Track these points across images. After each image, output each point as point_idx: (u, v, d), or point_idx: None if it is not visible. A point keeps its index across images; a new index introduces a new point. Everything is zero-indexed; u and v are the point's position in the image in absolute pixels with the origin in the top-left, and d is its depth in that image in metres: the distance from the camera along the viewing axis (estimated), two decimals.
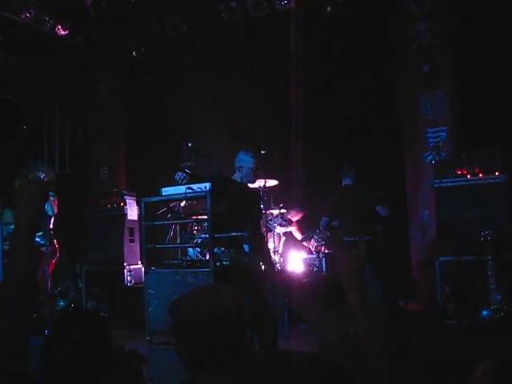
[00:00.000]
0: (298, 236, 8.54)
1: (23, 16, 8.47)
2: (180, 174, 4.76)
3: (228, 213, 4.82)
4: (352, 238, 6.43)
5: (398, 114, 8.17)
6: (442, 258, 6.58)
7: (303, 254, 8.54)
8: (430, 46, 7.80)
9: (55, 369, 1.94)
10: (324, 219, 6.78)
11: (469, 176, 6.63)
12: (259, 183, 7.51)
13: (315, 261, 8.46)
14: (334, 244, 7.56)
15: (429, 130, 7.78)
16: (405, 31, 8.04)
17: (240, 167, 5.02)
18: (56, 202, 6.45)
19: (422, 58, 7.84)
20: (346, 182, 6.72)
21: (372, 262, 6.49)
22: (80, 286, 8.90)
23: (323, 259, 8.43)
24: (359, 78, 8.28)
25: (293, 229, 8.44)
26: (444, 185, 6.72)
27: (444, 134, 7.68)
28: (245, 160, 5.03)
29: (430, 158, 7.71)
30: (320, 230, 8.23)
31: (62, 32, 9.19)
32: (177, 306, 1.86)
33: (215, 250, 4.77)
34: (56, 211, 6.50)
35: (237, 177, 5.06)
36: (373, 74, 8.26)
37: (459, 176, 6.67)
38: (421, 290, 7.66)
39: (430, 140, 7.76)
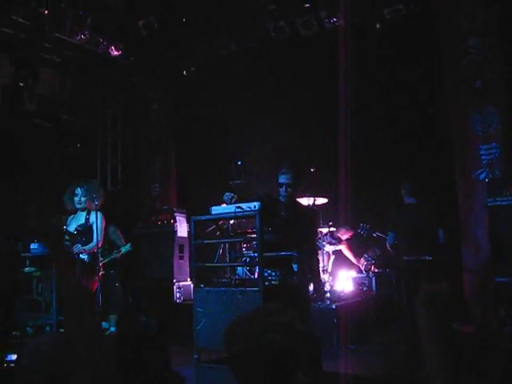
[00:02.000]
0: (348, 254, 8.45)
1: (78, 37, 8.73)
2: (228, 193, 4.76)
3: (277, 238, 4.79)
4: (411, 258, 6.28)
5: (450, 130, 8.02)
6: (497, 279, 6.39)
7: (353, 273, 8.44)
8: (482, 61, 7.64)
9: None
10: (390, 235, 6.62)
11: None
12: (308, 201, 7.48)
13: (365, 280, 8.36)
14: (394, 263, 7.34)
15: (481, 146, 7.60)
16: (456, 46, 7.91)
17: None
18: (104, 224, 6.49)
19: (474, 73, 7.69)
20: (408, 200, 6.59)
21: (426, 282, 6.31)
22: (130, 301, 9.02)
23: (373, 278, 8.33)
24: (409, 94, 8.20)
25: (342, 247, 8.36)
26: (498, 203, 6.55)
27: (497, 150, 7.49)
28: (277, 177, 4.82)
29: (483, 175, 7.52)
30: (373, 249, 8.16)
31: (116, 52, 9.43)
32: (233, 326, 1.87)
33: (264, 271, 4.76)
34: (103, 236, 6.55)
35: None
36: (424, 90, 8.16)
37: None
38: (475, 311, 7.45)
39: (483, 157, 7.57)
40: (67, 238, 6.37)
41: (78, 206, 6.41)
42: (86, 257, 6.21)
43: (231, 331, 1.86)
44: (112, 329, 7.95)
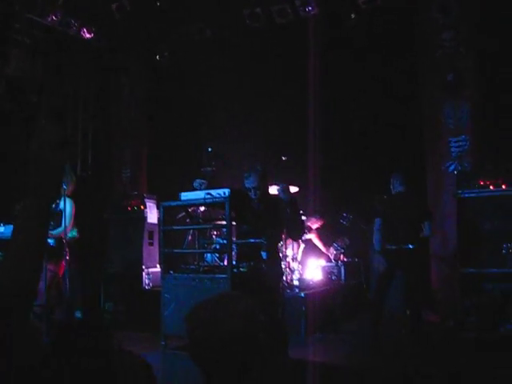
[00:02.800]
0: (318, 243, 8.49)
1: (49, 19, 8.56)
2: (199, 180, 4.75)
3: (248, 229, 4.82)
4: (394, 246, 6.36)
5: (422, 123, 8.08)
6: (462, 270, 6.48)
7: (322, 262, 8.49)
8: (455, 55, 7.71)
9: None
10: (377, 220, 6.60)
11: (491, 187, 6.52)
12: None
13: (334, 269, 8.42)
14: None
15: (451, 139, 7.68)
16: (430, 39, 7.96)
17: None
18: (74, 211, 6.41)
19: (446, 67, 7.75)
20: (397, 189, 6.62)
21: (409, 271, 6.41)
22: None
23: (342, 267, 8.39)
24: (383, 86, 8.24)
25: (312, 236, 8.40)
26: (467, 195, 6.62)
27: (466, 143, 7.58)
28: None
29: (452, 167, 7.61)
30: (342, 238, 8.22)
31: (87, 35, 9.29)
32: (194, 312, 1.85)
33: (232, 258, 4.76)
34: (73, 222, 6.47)
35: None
36: (398, 82, 8.21)
37: (482, 187, 6.56)
38: (441, 301, 7.56)
39: (453, 149, 7.66)
40: None
41: None
42: (51, 241, 6.14)
43: (192, 317, 1.85)
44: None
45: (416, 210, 6.43)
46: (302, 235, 5.43)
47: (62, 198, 6.20)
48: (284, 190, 4.88)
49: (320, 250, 8.54)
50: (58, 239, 6.17)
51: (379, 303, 6.52)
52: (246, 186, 4.92)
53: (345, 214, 8.05)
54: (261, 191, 4.91)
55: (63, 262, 6.33)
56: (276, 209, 4.88)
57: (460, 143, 7.61)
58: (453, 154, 7.65)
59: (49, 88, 9.18)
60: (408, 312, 6.49)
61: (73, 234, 7.54)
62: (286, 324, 4.92)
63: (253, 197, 4.90)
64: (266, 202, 4.95)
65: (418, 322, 6.33)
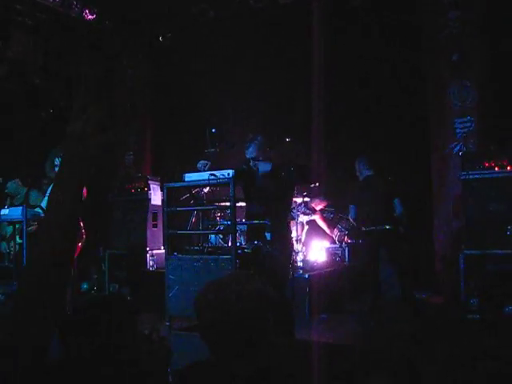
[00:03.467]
0: (322, 224, 8.49)
1: (51, 0, 8.50)
2: (203, 161, 4.75)
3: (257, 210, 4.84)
4: (371, 228, 6.52)
5: (427, 104, 8.03)
6: (466, 252, 6.47)
7: (326, 244, 8.49)
8: (460, 35, 7.64)
9: (75, 355, 1.93)
10: (352, 207, 6.86)
11: (496, 168, 6.49)
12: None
13: (338, 250, 8.43)
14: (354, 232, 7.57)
15: (456, 120, 7.64)
16: (435, 19, 7.88)
17: None
18: (85, 189, 6.46)
19: (452, 47, 7.69)
20: (366, 173, 6.81)
21: (390, 251, 6.67)
22: (103, 269, 8.98)
23: (346, 249, 8.39)
24: (388, 68, 8.18)
25: (316, 217, 8.39)
26: (471, 177, 6.59)
27: (471, 124, 7.54)
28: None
29: (457, 149, 7.58)
30: (346, 219, 8.22)
31: (90, 16, 9.23)
32: (204, 293, 1.85)
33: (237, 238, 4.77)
34: (84, 196, 6.53)
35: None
36: (402, 64, 8.14)
37: (487, 168, 6.53)
38: (444, 283, 7.57)
39: (458, 131, 7.62)
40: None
41: None
42: None
43: (202, 299, 1.85)
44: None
45: (386, 191, 6.67)
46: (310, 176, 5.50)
47: None
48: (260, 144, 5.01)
49: (324, 231, 8.53)
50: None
51: (375, 285, 6.66)
52: (247, 156, 5.07)
53: (327, 208, 8.22)
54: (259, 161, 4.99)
55: (79, 244, 6.40)
56: (278, 178, 4.93)
57: (465, 124, 7.56)
58: (458, 135, 7.61)
59: (50, 70, 9.15)
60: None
61: None
62: (291, 305, 4.94)
63: (253, 167, 4.99)
64: (271, 179, 4.97)
65: (410, 295, 6.46)
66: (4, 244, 6.92)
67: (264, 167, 4.89)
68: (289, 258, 5.09)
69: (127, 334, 1.99)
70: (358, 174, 6.95)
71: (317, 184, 8.05)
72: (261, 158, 5.03)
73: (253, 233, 5.09)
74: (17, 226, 6.67)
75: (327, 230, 8.51)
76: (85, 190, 6.42)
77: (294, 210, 7.98)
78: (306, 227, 8.26)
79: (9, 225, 6.65)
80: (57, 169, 6.36)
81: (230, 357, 1.80)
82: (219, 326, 1.78)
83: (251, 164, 5.04)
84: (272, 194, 4.84)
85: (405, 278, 6.64)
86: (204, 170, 4.70)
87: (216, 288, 1.84)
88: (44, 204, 6.48)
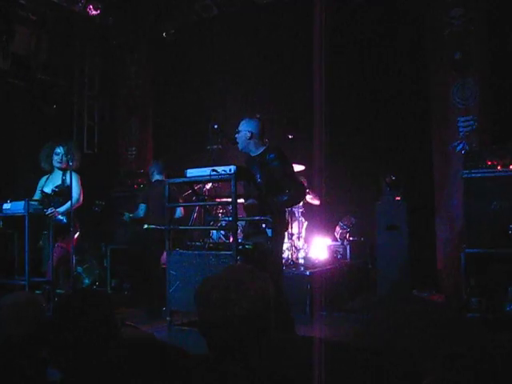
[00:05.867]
0: (316, 202, 8.42)
1: None
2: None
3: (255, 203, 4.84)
4: (157, 226, 6.81)
5: (430, 102, 8.02)
6: (468, 250, 6.46)
7: (328, 241, 8.50)
8: (463, 33, 7.62)
9: (60, 351, 1.95)
10: (142, 206, 7.36)
11: (499, 167, 6.48)
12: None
13: (339, 248, 8.43)
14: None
15: (459, 118, 7.63)
16: (439, 17, 7.87)
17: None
18: (81, 183, 6.48)
19: (455, 45, 7.67)
20: (156, 177, 7.37)
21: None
22: (105, 264, 9.01)
23: (348, 246, 8.40)
24: (391, 65, 8.16)
25: (309, 197, 8.20)
26: (473, 175, 6.58)
27: (474, 123, 7.52)
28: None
29: (459, 147, 7.57)
30: (348, 217, 8.24)
31: (94, 12, 9.23)
32: (204, 290, 1.85)
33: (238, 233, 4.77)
34: (82, 195, 6.54)
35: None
36: (405, 62, 8.13)
37: (489, 167, 6.51)
38: (446, 281, 7.57)
39: (460, 129, 7.61)
40: (42, 198, 6.35)
41: (58, 165, 6.37)
42: (63, 218, 6.20)
43: (203, 296, 1.84)
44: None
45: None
46: (303, 194, 5.41)
47: (68, 174, 6.27)
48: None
49: (325, 228, 8.52)
50: (68, 215, 6.21)
51: None
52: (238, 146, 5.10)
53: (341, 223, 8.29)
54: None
55: (74, 238, 6.40)
56: (265, 163, 4.94)
57: (468, 123, 7.55)
58: (460, 134, 7.60)
59: (54, 66, 9.16)
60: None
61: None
62: (288, 304, 4.91)
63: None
64: (267, 172, 4.96)
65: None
66: None
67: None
68: (281, 253, 5.11)
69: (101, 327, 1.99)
70: (150, 175, 7.53)
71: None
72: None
73: (249, 229, 5.08)
74: None
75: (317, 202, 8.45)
76: (80, 185, 6.45)
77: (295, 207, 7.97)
78: (305, 223, 8.24)
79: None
80: (57, 157, 6.37)
81: (229, 354, 1.80)
82: (221, 325, 1.78)
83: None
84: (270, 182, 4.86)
85: None
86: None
87: (218, 285, 1.83)
88: (36, 197, 6.48)
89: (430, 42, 8.02)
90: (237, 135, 5.08)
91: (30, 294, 2.44)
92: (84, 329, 1.92)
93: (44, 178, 6.51)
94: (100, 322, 1.97)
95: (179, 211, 7.13)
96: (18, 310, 2.36)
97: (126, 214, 7.43)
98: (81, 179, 6.43)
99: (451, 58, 7.67)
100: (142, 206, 7.33)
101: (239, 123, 5.15)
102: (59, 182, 6.34)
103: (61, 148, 6.37)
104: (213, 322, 1.79)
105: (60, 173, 6.37)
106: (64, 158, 6.34)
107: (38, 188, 6.52)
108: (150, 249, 7.08)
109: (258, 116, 5.27)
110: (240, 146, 5.07)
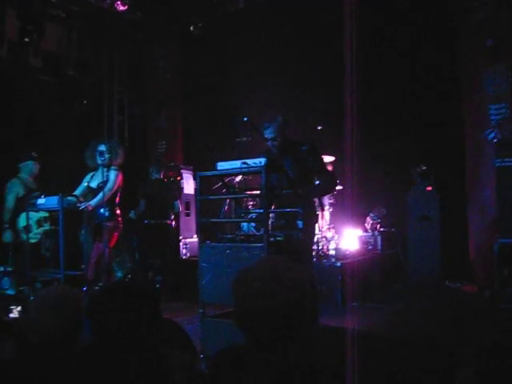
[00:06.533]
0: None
1: None
2: None
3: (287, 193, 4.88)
4: (153, 221, 8.02)
5: (461, 90, 7.91)
6: (501, 240, 6.39)
7: (359, 232, 8.47)
8: (495, 19, 7.47)
9: (100, 337, 2.00)
10: (142, 202, 8.10)
11: None
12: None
13: (370, 238, 8.40)
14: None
15: (491, 106, 7.51)
16: (469, 3, 7.73)
17: None
18: (120, 177, 6.66)
19: (486, 31, 7.53)
20: (155, 176, 8.32)
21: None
22: (137, 257, 9.10)
23: (378, 237, 8.36)
24: (420, 54, 8.06)
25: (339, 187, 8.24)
26: (506, 164, 6.50)
27: (506, 110, 7.39)
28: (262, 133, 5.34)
29: (491, 135, 7.45)
30: (378, 208, 8.19)
31: (122, 7, 9.30)
32: (243, 281, 1.86)
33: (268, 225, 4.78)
34: (120, 185, 6.71)
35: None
36: (435, 50, 8.02)
37: None
38: (479, 272, 7.49)
39: (492, 117, 7.49)
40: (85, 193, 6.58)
41: (101, 163, 6.56)
42: (105, 211, 6.36)
43: (241, 286, 1.86)
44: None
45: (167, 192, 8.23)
46: (335, 184, 5.66)
47: (111, 170, 6.49)
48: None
49: (355, 219, 8.47)
50: (112, 210, 6.42)
51: None
52: (265, 136, 5.20)
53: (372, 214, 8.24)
54: (279, 142, 5.18)
55: (116, 233, 6.56)
56: (298, 156, 5.11)
57: (500, 110, 7.42)
58: (492, 122, 7.48)
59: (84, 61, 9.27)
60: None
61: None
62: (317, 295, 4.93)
63: (273, 146, 5.21)
64: (286, 151, 5.17)
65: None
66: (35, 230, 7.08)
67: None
68: (312, 245, 5.19)
69: (145, 317, 2.04)
70: (149, 174, 8.37)
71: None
72: (279, 139, 5.17)
73: (280, 221, 5.16)
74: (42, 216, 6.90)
75: None
76: (120, 179, 6.58)
77: (325, 199, 7.95)
78: (335, 215, 8.21)
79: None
80: (100, 155, 6.57)
81: (265, 344, 1.82)
82: (259, 315, 1.79)
83: (269, 144, 5.25)
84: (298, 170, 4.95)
85: None
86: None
87: (255, 276, 1.84)
88: (78, 192, 6.63)
89: (462, 28, 7.89)
90: (268, 129, 5.15)
91: (68, 287, 2.50)
92: (130, 319, 1.98)
93: (90, 174, 6.76)
94: (147, 313, 2.03)
95: (177, 205, 8.06)
96: (58, 303, 2.42)
97: (131, 211, 7.81)
98: (122, 174, 6.63)
99: (483, 45, 7.54)
100: (142, 202, 8.02)
101: (268, 117, 5.22)
102: (104, 178, 6.54)
103: (103, 146, 6.58)
104: (251, 312, 1.81)
105: (104, 169, 6.56)
106: (107, 156, 6.54)
107: (83, 182, 6.73)
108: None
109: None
110: (270, 137, 5.13)
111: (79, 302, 2.53)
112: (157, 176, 8.20)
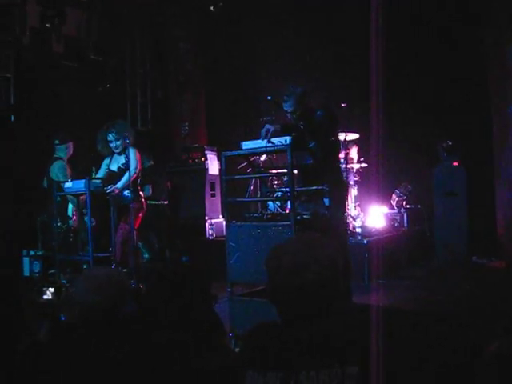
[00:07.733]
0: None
1: None
2: (268, 126, 4.75)
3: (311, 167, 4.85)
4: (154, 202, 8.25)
5: (486, 66, 7.78)
6: None
7: (384, 209, 8.43)
8: None
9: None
10: (147, 187, 8.13)
11: None
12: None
13: (396, 215, 8.36)
14: None
15: None
16: None
17: None
18: (139, 157, 6.67)
19: (511, 4, 7.37)
20: (146, 163, 8.14)
21: None
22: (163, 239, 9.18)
23: (405, 214, 8.32)
24: (444, 29, 7.95)
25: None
26: None
27: None
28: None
29: None
30: (404, 185, 8.13)
31: None
32: (276, 257, 1.88)
33: (295, 204, 4.79)
34: (140, 167, 6.72)
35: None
36: (459, 24, 7.89)
37: None
38: (506, 248, 7.42)
39: None
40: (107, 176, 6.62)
41: (117, 151, 6.60)
42: (127, 193, 6.39)
43: (275, 262, 1.86)
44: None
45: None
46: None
47: (128, 150, 6.49)
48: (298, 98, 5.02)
49: (381, 196, 8.42)
50: (135, 191, 6.44)
51: None
52: (284, 109, 5.09)
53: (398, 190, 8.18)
54: (297, 114, 5.04)
55: (140, 215, 6.61)
56: (313, 121, 4.97)
57: None
58: None
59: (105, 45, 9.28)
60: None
61: (146, 192, 8.02)
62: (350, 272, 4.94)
63: (292, 119, 5.09)
64: (303, 120, 5.02)
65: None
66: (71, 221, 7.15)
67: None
68: (343, 222, 5.12)
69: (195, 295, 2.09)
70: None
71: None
72: (298, 112, 5.05)
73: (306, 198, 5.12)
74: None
75: None
76: (139, 161, 6.61)
77: (351, 176, 7.90)
78: (361, 192, 8.17)
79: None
80: (111, 145, 6.58)
81: (297, 321, 1.83)
82: (291, 290, 1.81)
83: (288, 117, 5.14)
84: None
85: None
86: (264, 138, 4.69)
87: (288, 251, 1.85)
88: (100, 175, 6.68)
89: (486, 1, 7.75)
90: (288, 102, 5.09)
91: (113, 269, 2.55)
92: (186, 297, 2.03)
93: (108, 158, 6.76)
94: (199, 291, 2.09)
95: (148, 189, 8.05)
96: (102, 282, 2.44)
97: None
98: (138, 152, 6.63)
99: (507, 17, 7.39)
100: (147, 186, 8.08)
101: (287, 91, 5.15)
102: (123, 160, 6.55)
103: (110, 136, 6.56)
104: (284, 287, 1.82)
105: (123, 154, 6.58)
106: (118, 143, 6.55)
107: (103, 166, 6.75)
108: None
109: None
110: (290, 111, 5.09)
111: (125, 283, 2.56)
112: (147, 163, 8.25)
